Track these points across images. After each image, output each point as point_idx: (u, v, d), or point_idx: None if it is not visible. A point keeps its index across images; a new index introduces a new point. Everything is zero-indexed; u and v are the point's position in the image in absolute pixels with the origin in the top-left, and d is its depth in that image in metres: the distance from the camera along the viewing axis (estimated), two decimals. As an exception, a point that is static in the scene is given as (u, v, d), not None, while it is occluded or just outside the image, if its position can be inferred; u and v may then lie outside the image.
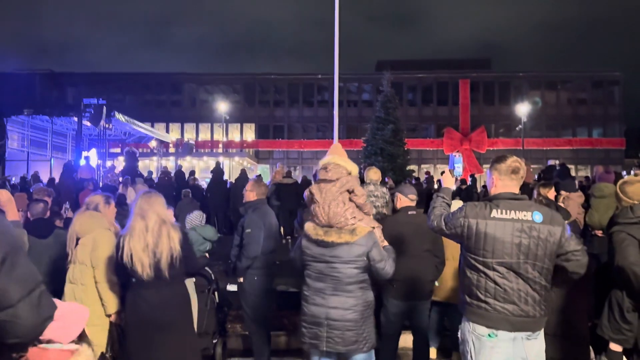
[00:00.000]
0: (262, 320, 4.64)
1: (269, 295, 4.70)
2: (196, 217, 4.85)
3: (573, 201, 5.20)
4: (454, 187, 3.44)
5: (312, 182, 13.52)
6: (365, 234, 3.08)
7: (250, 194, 4.70)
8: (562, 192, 5.75)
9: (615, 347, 3.16)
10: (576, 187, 6.33)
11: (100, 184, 12.57)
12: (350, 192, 3.14)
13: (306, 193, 3.29)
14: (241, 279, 4.57)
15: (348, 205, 3.10)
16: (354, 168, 3.32)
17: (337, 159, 3.29)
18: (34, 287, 1.54)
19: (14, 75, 40.35)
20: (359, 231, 3.06)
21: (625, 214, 3.25)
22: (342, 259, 3.05)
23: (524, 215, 2.65)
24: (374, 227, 3.26)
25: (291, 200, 11.53)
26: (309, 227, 3.16)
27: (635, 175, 3.54)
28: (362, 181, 4.72)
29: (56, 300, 2.28)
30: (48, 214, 4.91)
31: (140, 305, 3.38)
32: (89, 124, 18.39)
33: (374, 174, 5.72)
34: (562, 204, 4.66)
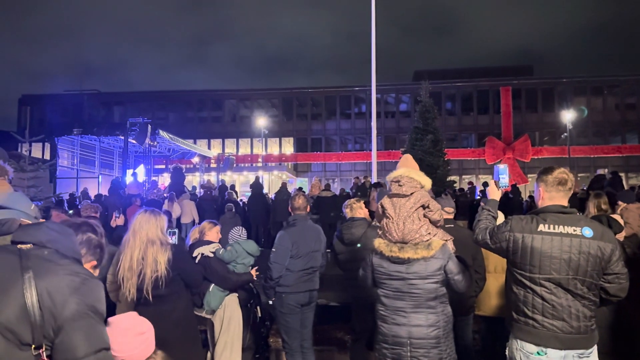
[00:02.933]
0: (296, 340, 4.53)
1: (301, 314, 4.53)
2: (236, 232, 4.90)
3: (633, 213, 4.88)
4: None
5: (350, 194, 13.51)
6: (441, 247, 2.97)
7: (291, 209, 4.67)
8: (620, 203, 5.44)
9: None
10: (635, 197, 5.96)
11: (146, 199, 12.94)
12: (424, 207, 3.01)
13: (377, 207, 3.15)
14: (271, 300, 4.53)
15: (423, 222, 2.99)
16: (427, 182, 3.18)
17: (410, 171, 3.15)
18: (101, 348, 1.64)
19: (64, 96, 42.41)
20: (434, 245, 2.94)
21: None
22: (420, 274, 2.92)
23: (573, 230, 2.56)
24: (446, 240, 3.12)
25: (330, 213, 11.53)
26: (380, 243, 3.04)
27: None
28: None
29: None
30: None
31: None
32: (134, 141, 19.02)
33: None
34: (616, 216, 4.40)
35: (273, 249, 4.44)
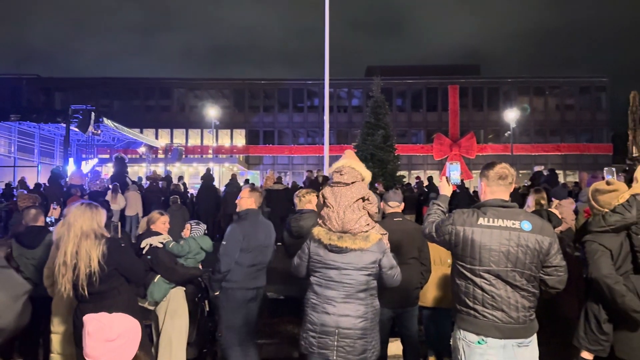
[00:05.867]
0: (236, 336, 4.38)
1: (246, 310, 4.37)
2: (198, 228, 4.81)
3: (566, 208, 5.21)
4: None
5: (303, 188, 13.53)
6: (377, 241, 3.05)
7: (241, 202, 4.52)
8: (554, 200, 5.76)
9: (586, 355, 3.12)
10: (567, 193, 6.35)
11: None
12: (364, 199, 3.09)
13: (319, 197, 3.19)
14: (216, 292, 4.40)
15: (362, 213, 3.06)
16: (367, 174, 3.27)
17: (352, 162, 3.24)
18: None
19: (0, 80, 39.99)
20: (372, 238, 3.03)
21: (597, 223, 3.15)
22: (355, 265, 3.00)
23: (512, 224, 2.66)
24: (382, 234, 3.22)
25: (282, 207, 11.50)
26: (319, 231, 3.08)
27: (607, 183, 3.39)
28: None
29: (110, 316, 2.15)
30: (42, 219, 4.76)
31: (79, 319, 3.22)
32: (77, 129, 18.24)
33: None
34: (555, 210, 4.69)
35: (223, 242, 4.33)
